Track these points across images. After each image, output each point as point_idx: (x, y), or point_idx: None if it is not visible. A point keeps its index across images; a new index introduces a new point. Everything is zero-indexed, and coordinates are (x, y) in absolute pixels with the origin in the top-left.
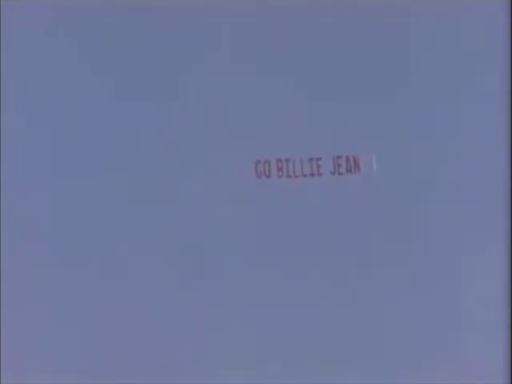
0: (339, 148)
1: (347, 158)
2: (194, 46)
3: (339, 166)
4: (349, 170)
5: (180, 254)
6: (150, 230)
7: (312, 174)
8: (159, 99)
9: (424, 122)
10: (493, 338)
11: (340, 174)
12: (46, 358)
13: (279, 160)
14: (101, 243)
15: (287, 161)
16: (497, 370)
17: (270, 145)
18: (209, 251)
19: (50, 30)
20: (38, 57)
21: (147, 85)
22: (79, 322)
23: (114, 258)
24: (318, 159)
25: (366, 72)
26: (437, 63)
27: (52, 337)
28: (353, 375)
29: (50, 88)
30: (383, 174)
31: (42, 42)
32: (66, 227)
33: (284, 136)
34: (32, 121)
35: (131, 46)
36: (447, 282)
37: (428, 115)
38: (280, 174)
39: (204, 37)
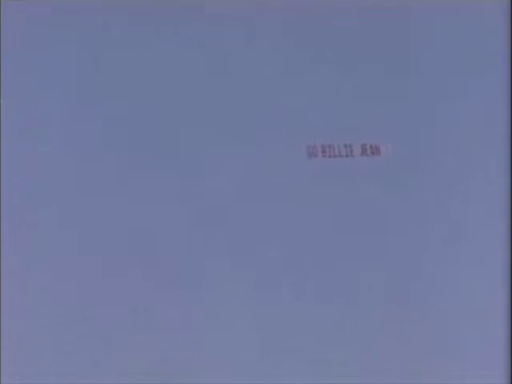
0: (366, 136)
1: (371, 145)
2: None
3: (366, 150)
4: (373, 153)
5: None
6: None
7: (347, 156)
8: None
9: (424, 121)
10: (493, 338)
11: (366, 155)
12: (46, 358)
13: (323, 145)
14: (105, 242)
15: (329, 146)
16: (497, 370)
17: (317, 134)
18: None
19: (50, 29)
20: (38, 56)
21: (154, 83)
22: (79, 322)
23: (123, 256)
24: (351, 145)
25: (368, 73)
26: (437, 63)
27: (52, 337)
28: (352, 375)
29: (50, 87)
30: (397, 158)
31: (42, 41)
32: (67, 228)
33: (327, 128)
34: (32, 120)
35: (131, 46)
36: (447, 282)
37: (428, 113)
38: (324, 154)
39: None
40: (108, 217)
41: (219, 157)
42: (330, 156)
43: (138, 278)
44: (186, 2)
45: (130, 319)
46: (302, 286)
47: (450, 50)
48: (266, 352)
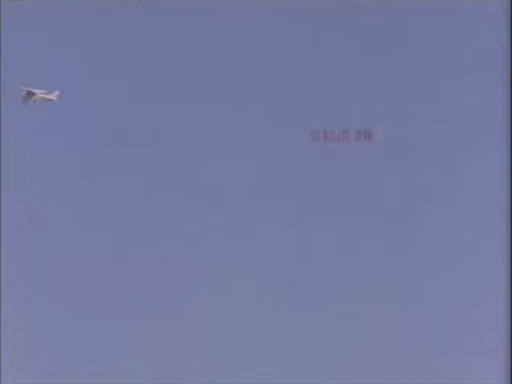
0: (360, 124)
1: (364, 131)
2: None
3: (359, 135)
4: (366, 138)
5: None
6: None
7: (344, 139)
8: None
9: (424, 119)
10: (493, 338)
11: (360, 140)
12: (46, 358)
13: (325, 130)
14: (106, 241)
15: (330, 131)
16: (497, 370)
17: (319, 121)
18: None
19: (50, 29)
20: (38, 55)
21: (152, 81)
22: (79, 323)
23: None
24: (348, 130)
25: (370, 71)
26: (437, 62)
27: (52, 338)
28: (351, 375)
29: (50, 86)
30: (387, 142)
31: (42, 41)
32: (68, 229)
33: (328, 116)
34: (32, 119)
35: (131, 46)
36: (447, 282)
37: (429, 112)
38: (325, 138)
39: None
40: (110, 216)
41: (240, 142)
42: (329, 140)
43: (137, 278)
44: (188, 2)
45: (130, 319)
46: (303, 270)
47: (450, 49)
48: (265, 350)
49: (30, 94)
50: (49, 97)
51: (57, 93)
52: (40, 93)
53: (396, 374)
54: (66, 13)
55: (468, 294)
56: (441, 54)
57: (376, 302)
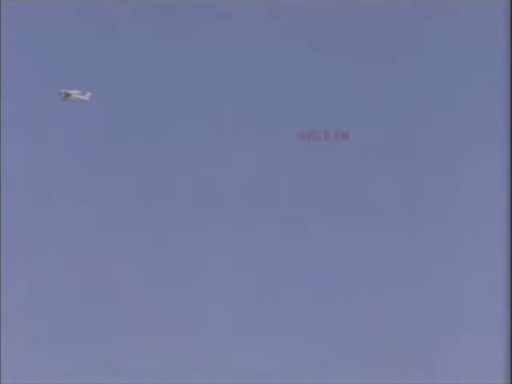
0: (340, 126)
1: (342, 132)
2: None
3: (337, 136)
4: (343, 138)
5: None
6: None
7: (325, 139)
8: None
9: (424, 119)
10: (493, 338)
11: (338, 141)
12: (46, 358)
13: (309, 131)
14: (107, 237)
15: (314, 132)
16: (497, 370)
17: (305, 123)
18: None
19: (50, 29)
20: (38, 55)
21: (150, 80)
22: (79, 323)
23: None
24: (328, 132)
25: (368, 71)
26: (437, 62)
27: (52, 338)
28: (351, 375)
29: (50, 87)
30: (364, 143)
31: (42, 41)
32: (69, 229)
33: (313, 119)
34: (32, 119)
35: (132, 46)
36: (447, 282)
37: (428, 111)
38: (309, 138)
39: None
40: (111, 216)
41: (234, 141)
42: (313, 139)
43: (137, 279)
44: (188, 2)
45: (131, 319)
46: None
47: (450, 49)
48: (265, 350)
49: (67, 94)
50: (82, 97)
51: (89, 94)
52: (75, 94)
53: (396, 373)
54: (66, 13)
55: (468, 293)
56: (441, 54)
57: (374, 303)
